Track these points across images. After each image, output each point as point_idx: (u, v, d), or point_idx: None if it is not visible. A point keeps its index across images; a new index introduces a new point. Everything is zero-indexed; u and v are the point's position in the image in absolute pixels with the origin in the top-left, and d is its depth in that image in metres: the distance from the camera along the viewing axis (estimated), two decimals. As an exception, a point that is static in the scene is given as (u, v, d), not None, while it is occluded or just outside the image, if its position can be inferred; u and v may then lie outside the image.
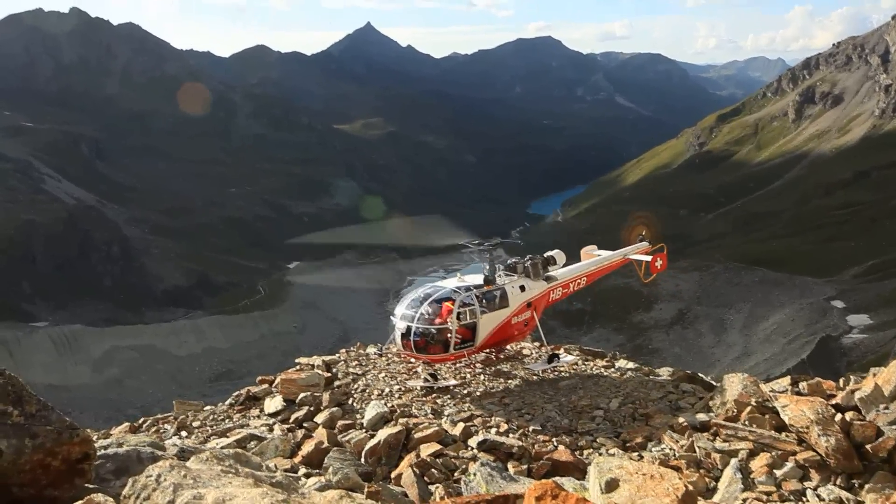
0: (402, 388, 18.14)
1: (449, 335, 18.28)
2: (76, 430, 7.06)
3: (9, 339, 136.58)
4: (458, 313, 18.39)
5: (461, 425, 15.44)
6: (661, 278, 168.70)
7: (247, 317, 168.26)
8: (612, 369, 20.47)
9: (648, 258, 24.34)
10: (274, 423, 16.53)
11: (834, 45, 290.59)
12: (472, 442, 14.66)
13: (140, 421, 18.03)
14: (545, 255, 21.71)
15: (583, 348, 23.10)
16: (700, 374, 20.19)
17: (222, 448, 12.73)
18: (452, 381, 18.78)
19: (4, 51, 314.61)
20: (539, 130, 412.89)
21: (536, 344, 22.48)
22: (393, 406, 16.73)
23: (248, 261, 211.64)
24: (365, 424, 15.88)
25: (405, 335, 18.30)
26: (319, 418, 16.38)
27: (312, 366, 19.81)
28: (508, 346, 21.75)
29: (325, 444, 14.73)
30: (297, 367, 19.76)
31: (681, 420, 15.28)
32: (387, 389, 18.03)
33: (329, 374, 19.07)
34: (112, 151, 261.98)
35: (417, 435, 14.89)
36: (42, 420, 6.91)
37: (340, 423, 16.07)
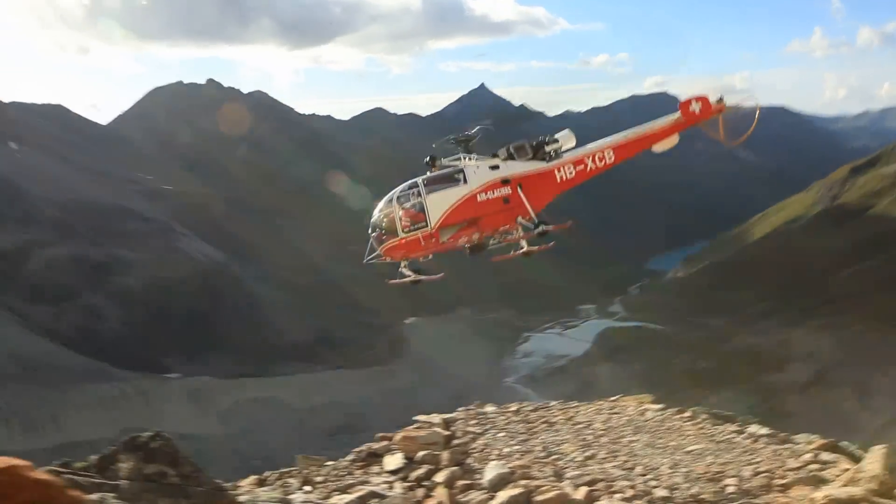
0: (523, 450, 17.80)
1: (396, 219, 19.69)
2: (224, 492, 7.25)
3: (146, 389, 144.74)
4: (399, 196, 20.00)
5: (584, 489, 14.83)
6: (794, 338, 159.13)
7: (366, 372, 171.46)
8: (744, 435, 19.29)
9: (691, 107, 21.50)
10: (394, 481, 16.51)
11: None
12: (596, 508, 14.11)
13: (266, 474, 18.48)
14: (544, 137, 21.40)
15: (711, 411, 21.96)
16: (844, 443, 18.70)
17: (345, 504, 12.87)
18: (438, 276, 20.48)
19: (149, 120, 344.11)
20: (657, 186, 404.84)
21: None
22: (513, 467, 16.39)
23: (367, 316, 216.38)
24: (485, 485, 15.61)
25: (371, 234, 20.11)
26: (439, 477, 16.21)
27: (431, 423, 19.78)
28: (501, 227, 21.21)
29: (446, 504, 14.59)
30: (416, 424, 19.79)
31: (824, 494, 14.15)
32: (506, 450, 17.74)
33: (448, 433, 18.97)
34: (241, 212, 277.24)
35: (538, 498, 14.41)
36: (195, 481, 7.15)
37: (460, 482, 15.85)
